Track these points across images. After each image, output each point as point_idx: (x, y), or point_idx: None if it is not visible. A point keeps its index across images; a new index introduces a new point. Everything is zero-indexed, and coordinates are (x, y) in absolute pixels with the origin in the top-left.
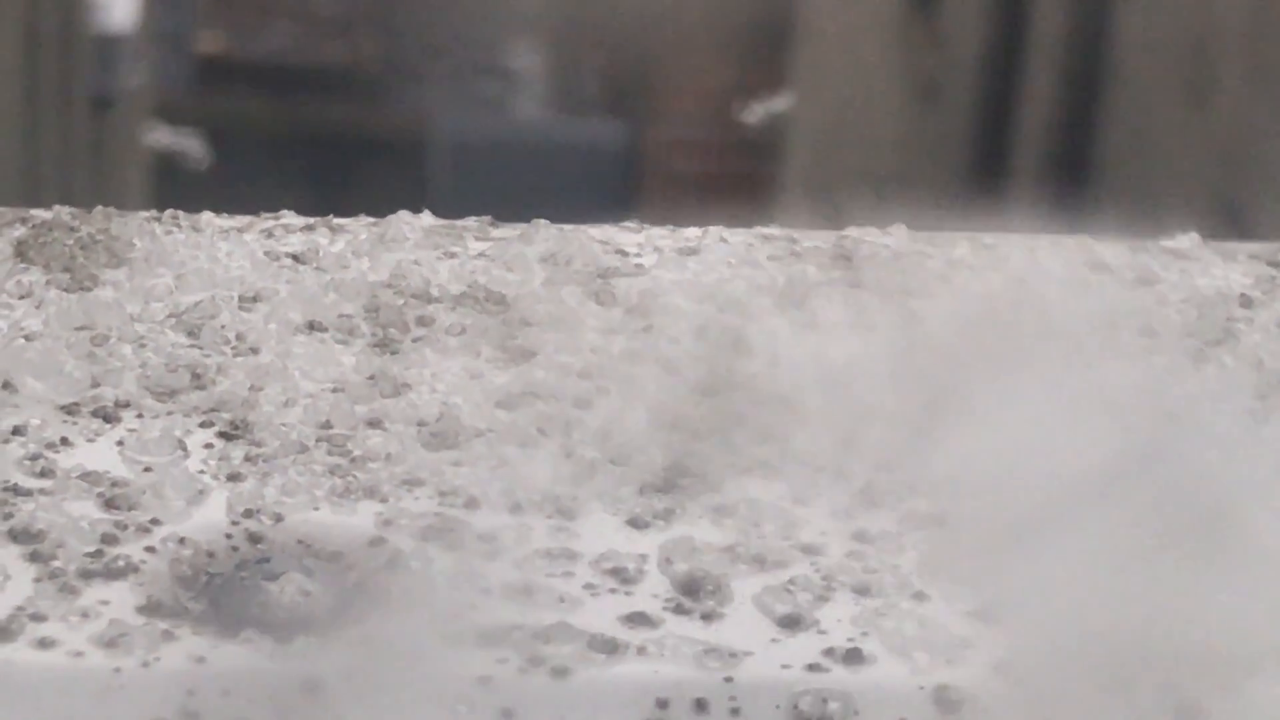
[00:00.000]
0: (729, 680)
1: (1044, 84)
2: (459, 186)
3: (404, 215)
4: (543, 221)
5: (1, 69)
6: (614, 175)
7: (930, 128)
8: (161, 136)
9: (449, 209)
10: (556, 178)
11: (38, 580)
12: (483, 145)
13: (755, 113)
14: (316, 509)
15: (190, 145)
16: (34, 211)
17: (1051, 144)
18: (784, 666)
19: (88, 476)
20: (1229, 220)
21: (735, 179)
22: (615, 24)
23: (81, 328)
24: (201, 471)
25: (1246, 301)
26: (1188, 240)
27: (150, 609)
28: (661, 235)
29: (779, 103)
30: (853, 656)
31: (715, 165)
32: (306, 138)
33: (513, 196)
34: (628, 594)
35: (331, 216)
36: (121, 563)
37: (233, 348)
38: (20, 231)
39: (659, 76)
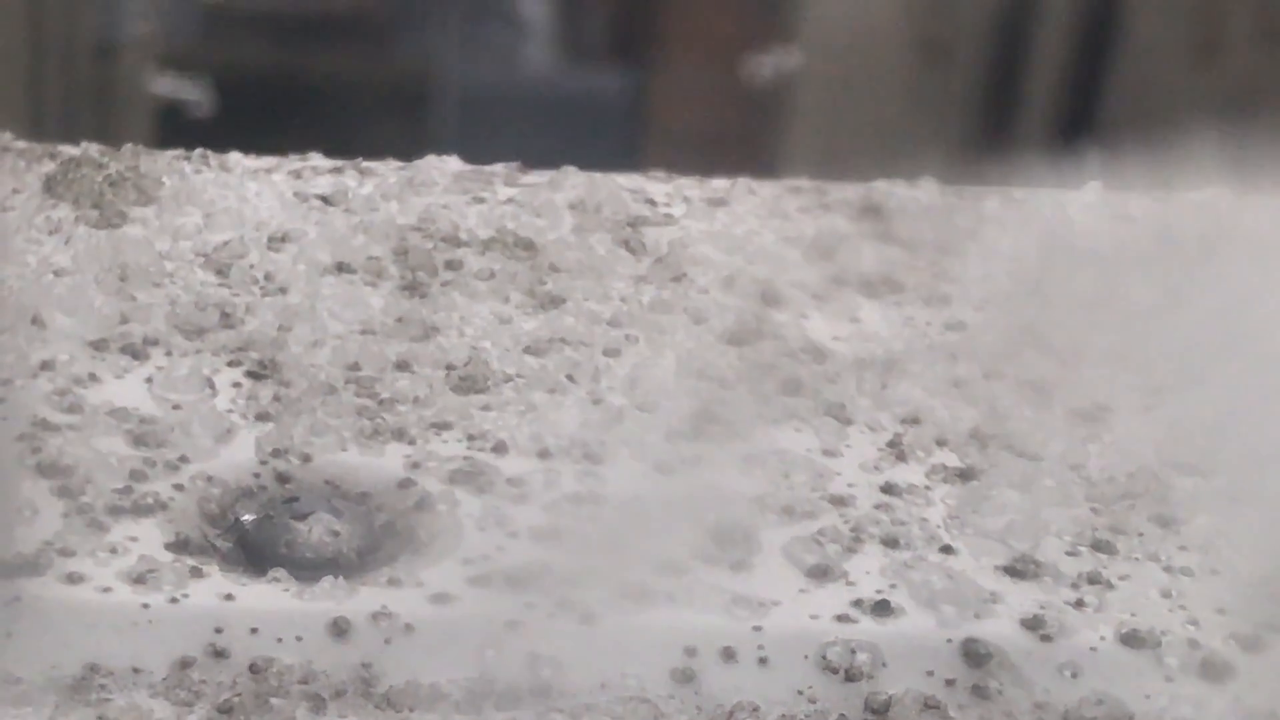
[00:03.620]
0: (757, 629)
1: (1053, 44)
2: (466, 134)
3: (432, 160)
4: (571, 168)
5: (5, 15)
6: (621, 124)
7: (939, 87)
8: (166, 84)
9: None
10: (564, 126)
11: (66, 515)
12: (490, 93)
13: (763, 66)
14: (345, 450)
15: (195, 93)
16: (62, 147)
17: (1060, 104)
18: (812, 617)
19: (116, 413)
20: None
21: (742, 132)
22: None
23: (110, 264)
24: (230, 410)
25: None
26: (1213, 193)
27: (179, 546)
28: (690, 185)
29: (787, 57)
30: (881, 608)
31: (722, 117)
32: (312, 85)
33: (520, 144)
34: (658, 540)
35: (360, 159)
36: (150, 499)
37: (261, 287)
38: (49, 167)
39: (667, 26)
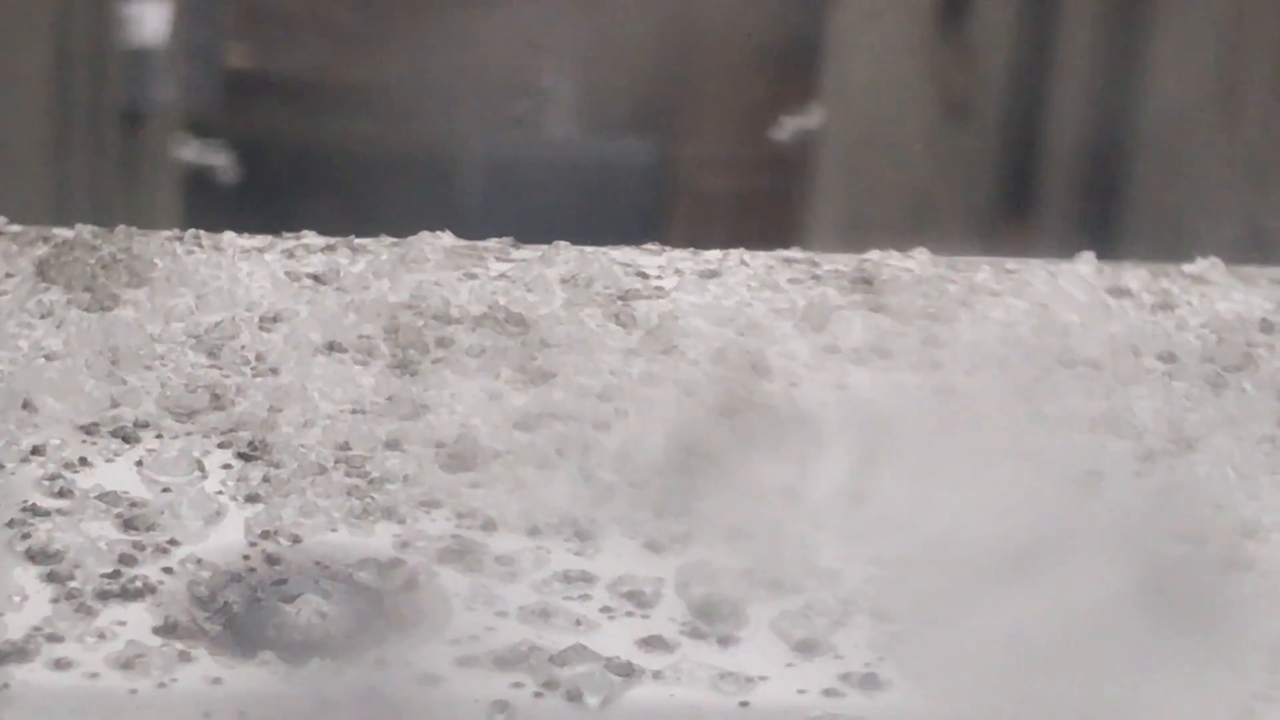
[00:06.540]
0: (744, 705)
1: (1072, 101)
2: (488, 203)
3: (425, 236)
4: (563, 243)
5: (33, 84)
6: (643, 193)
7: (959, 144)
8: (191, 150)
9: (478, 225)
10: (586, 195)
11: (55, 601)
12: (512, 163)
13: (786, 129)
14: (334, 530)
15: (219, 159)
16: (56, 230)
17: (1080, 161)
18: (800, 691)
19: (106, 497)
20: (1255, 242)
21: (765, 197)
22: (644, 42)
23: (102, 348)
24: (219, 492)
25: (1267, 326)
26: (1208, 265)
27: (167, 630)
28: (682, 258)
29: (809, 119)
30: (869, 681)
31: (745, 182)
32: (336, 153)
33: (542, 214)
34: (644, 617)
35: (352, 237)
36: (139, 583)
37: (252, 368)
38: (42, 250)
39: (688, 94)
